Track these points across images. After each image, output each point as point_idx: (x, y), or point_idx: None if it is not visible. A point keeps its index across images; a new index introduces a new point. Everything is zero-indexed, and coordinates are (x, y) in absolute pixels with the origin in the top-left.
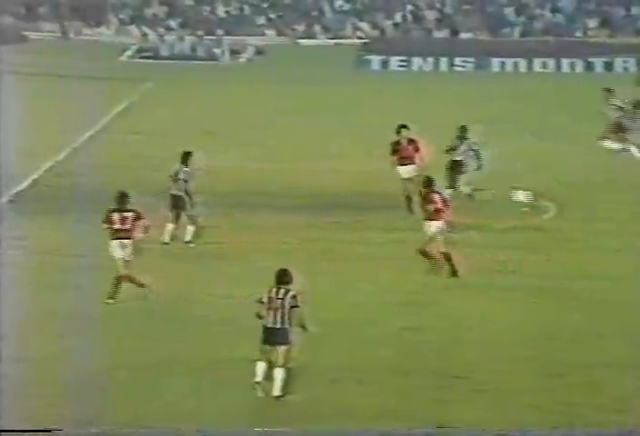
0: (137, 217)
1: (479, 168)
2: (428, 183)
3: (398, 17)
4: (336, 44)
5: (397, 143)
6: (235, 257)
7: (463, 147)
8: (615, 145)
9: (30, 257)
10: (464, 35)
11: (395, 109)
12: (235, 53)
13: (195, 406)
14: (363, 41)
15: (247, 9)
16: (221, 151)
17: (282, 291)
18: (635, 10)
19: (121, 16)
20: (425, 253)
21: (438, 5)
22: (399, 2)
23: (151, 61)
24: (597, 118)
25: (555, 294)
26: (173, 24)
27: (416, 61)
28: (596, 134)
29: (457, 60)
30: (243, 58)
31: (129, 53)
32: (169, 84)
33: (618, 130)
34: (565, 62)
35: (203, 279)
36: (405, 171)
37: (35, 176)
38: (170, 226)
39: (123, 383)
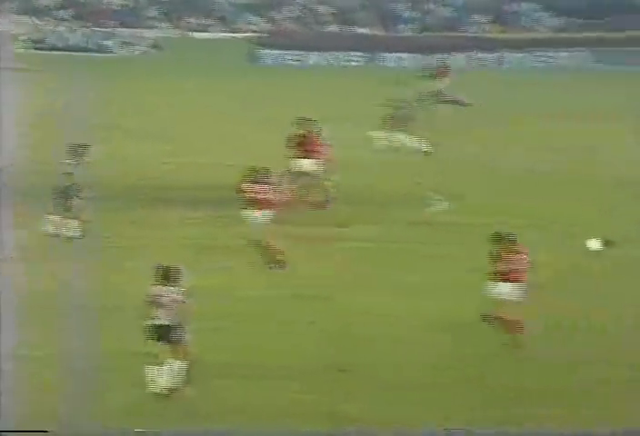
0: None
1: None
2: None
3: (293, 12)
4: (231, 38)
5: (297, 136)
6: (124, 252)
7: None
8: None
9: None
10: (358, 30)
11: (290, 103)
12: (129, 45)
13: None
14: (257, 35)
15: (142, 1)
16: (116, 144)
17: (168, 288)
18: (525, 6)
19: (11, 6)
20: None
21: (332, 0)
22: None
23: (43, 52)
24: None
25: (445, 289)
26: (64, 14)
27: (311, 56)
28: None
29: (352, 55)
30: (137, 51)
31: (21, 43)
32: (61, 76)
33: (400, 121)
34: (457, 56)
35: (89, 272)
36: (306, 163)
37: None
38: (53, 217)
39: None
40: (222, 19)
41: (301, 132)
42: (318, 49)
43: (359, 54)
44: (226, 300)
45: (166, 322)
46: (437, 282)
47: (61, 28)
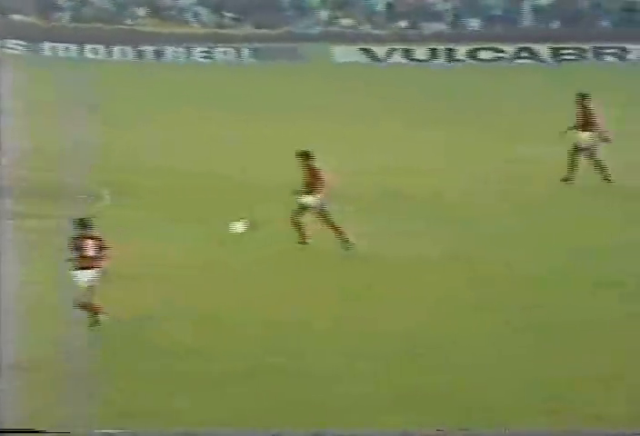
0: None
1: None
2: None
3: None
4: None
5: None
6: None
7: None
8: None
9: None
10: (15, 17)
11: None
12: None
13: None
14: None
15: None
16: None
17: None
18: (182, 1)
19: None
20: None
21: None
22: None
23: None
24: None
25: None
26: None
27: None
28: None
29: (10, 42)
30: None
31: None
32: None
33: None
34: (116, 49)
35: None
36: None
37: None
38: None
39: None
40: None
41: None
42: None
43: (18, 41)
44: None
45: None
46: None
47: None
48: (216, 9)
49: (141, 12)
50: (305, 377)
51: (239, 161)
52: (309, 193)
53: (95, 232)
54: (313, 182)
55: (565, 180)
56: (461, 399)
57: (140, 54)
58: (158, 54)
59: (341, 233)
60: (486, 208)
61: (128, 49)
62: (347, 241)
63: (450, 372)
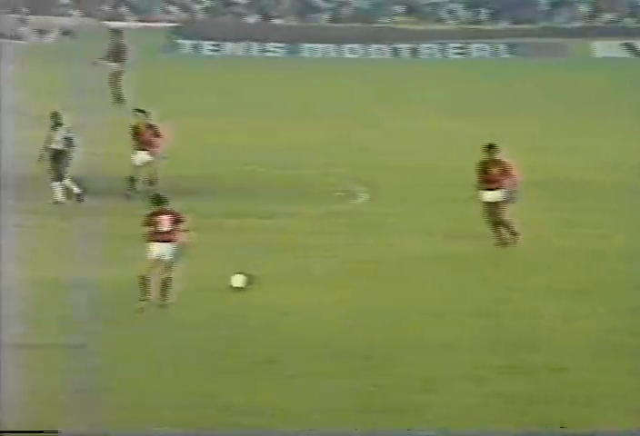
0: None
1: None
2: None
3: (208, 1)
4: (145, 27)
5: (136, 127)
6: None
7: (59, 135)
8: None
9: None
10: (274, 21)
11: (211, 93)
12: (41, 33)
13: None
14: (173, 24)
15: None
16: (29, 133)
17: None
18: None
19: None
20: None
21: None
22: None
23: None
24: (414, 103)
25: (370, 277)
26: None
27: (228, 46)
28: (413, 119)
29: (269, 45)
30: (49, 38)
31: None
32: None
33: None
34: (373, 47)
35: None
36: (140, 158)
37: None
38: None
39: None
40: (136, 8)
41: (138, 123)
42: (236, 39)
43: (278, 44)
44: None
45: None
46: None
47: None
48: (472, 5)
49: (397, 10)
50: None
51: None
52: (493, 188)
53: (170, 208)
54: (498, 176)
55: None
56: None
57: (396, 52)
58: (414, 51)
59: (512, 228)
60: None
61: (385, 47)
62: (516, 234)
63: None
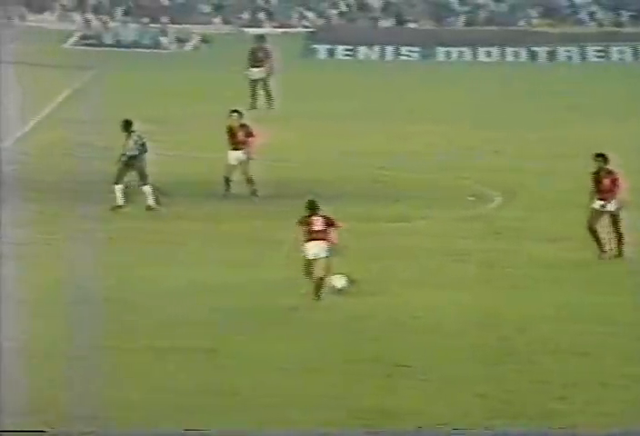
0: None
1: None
2: None
3: (343, 6)
4: (283, 33)
5: (230, 127)
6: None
7: (131, 141)
8: None
9: None
10: (409, 24)
11: (345, 97)
12: (180, 41)
13: None
14: (309, 30)
15: None
16: (167, 140)
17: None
18: (576, 0)
19: (64, 3)
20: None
21: None
22: None
23: (95, 48)
24: (545, 106)
25: (508, 282)
26: (117, 11)
27: (362, 50)
28: (545, 121)
29: (403, 49)
30: (188, 46)
31: (73, 40)
32: (113, 72)
33: None
34: (509, 50)
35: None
36: (234, 157)
37: None
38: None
39: None
40: (274, 14)
41: (232, 122)
42: (370, 43)
43: (412, 48)
44: (285, 296)
45: None
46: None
47: (114, 24)
48: (612, 8)
49: (534, 13)
50: None
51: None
52: (604, 198)
53: (323, 212)
54: (609, 186)
55: None
56: None
57: (532, 55)
58: (551, 54)
59: (622, 241)
60: None
61: (521, 50)
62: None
63: None
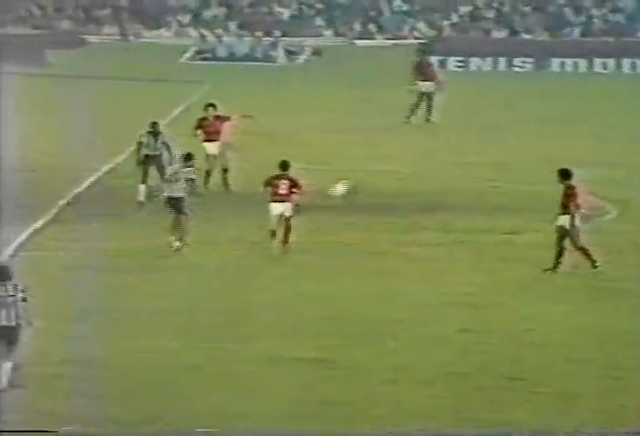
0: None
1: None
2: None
3: (455, 17)
4: (394, 45)
5: (204, 119)
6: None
7: (158, 143)
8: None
9: (90, 258)
10: (522, 35)
11: (457, 108)
12: (292, 54)
13: None
14: (420, 41)
15: (305, 10)
16: (279, 152)
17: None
18: None
19: (179, 18)
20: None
21: (496, 5)
22: (457, 1)
23: (209, 62)
24: None
25: (616, 296)
26: (231, 25)
27: (474, 61)
28: None
29: (516, 60)
30: (300, 59)
31: (188, 54)
32: (227, 86)
33: None
34: (625, 62)
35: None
36: (212, 147)
37: (94, 178)
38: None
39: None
40: (385, 26)
41: (207, 115)
42: (482, 55)
43: (525, 59)
44: (385, 306)
45: (4, 324)
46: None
47: (228, 38)
48: None
49: None
50: None
51: None
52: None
53: (290, 174)
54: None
55: None
56: None
57: None
58: None
59: (589, 255)
60: None
61: (638, 62)
62: (594, 261)
63: None
